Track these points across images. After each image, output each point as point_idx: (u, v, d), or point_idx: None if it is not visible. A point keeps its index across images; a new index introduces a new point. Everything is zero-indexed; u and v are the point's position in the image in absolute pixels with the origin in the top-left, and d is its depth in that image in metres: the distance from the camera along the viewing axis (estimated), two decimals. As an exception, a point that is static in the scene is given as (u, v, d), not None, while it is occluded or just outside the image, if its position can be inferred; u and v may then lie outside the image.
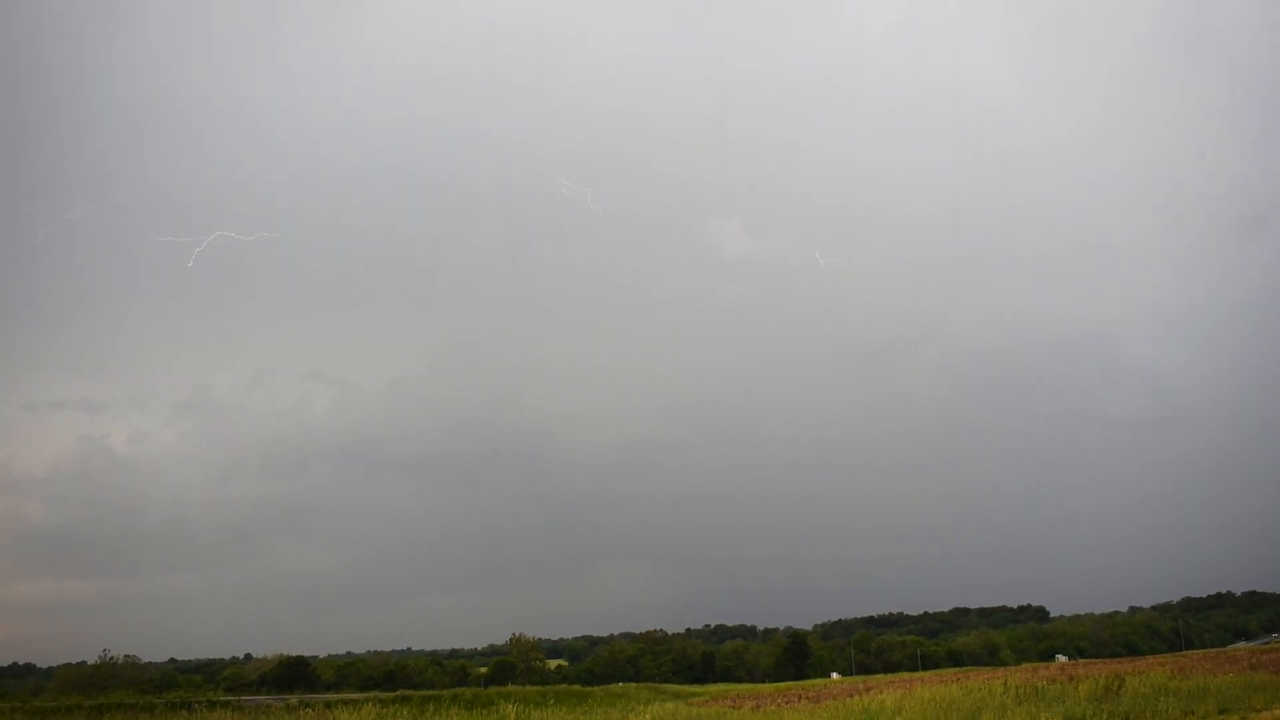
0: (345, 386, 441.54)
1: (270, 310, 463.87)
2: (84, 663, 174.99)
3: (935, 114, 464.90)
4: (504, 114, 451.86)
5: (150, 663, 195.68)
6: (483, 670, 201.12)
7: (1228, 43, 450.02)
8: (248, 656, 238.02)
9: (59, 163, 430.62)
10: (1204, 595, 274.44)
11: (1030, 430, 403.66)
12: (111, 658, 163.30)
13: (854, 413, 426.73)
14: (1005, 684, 49.08)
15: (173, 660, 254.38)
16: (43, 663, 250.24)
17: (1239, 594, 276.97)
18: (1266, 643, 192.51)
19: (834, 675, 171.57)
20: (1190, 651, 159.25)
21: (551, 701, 61.74)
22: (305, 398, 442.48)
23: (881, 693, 56.51)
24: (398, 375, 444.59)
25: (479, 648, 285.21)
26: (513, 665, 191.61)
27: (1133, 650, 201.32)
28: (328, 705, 67.21)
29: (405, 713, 51.45)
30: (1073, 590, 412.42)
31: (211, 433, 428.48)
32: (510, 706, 49.25)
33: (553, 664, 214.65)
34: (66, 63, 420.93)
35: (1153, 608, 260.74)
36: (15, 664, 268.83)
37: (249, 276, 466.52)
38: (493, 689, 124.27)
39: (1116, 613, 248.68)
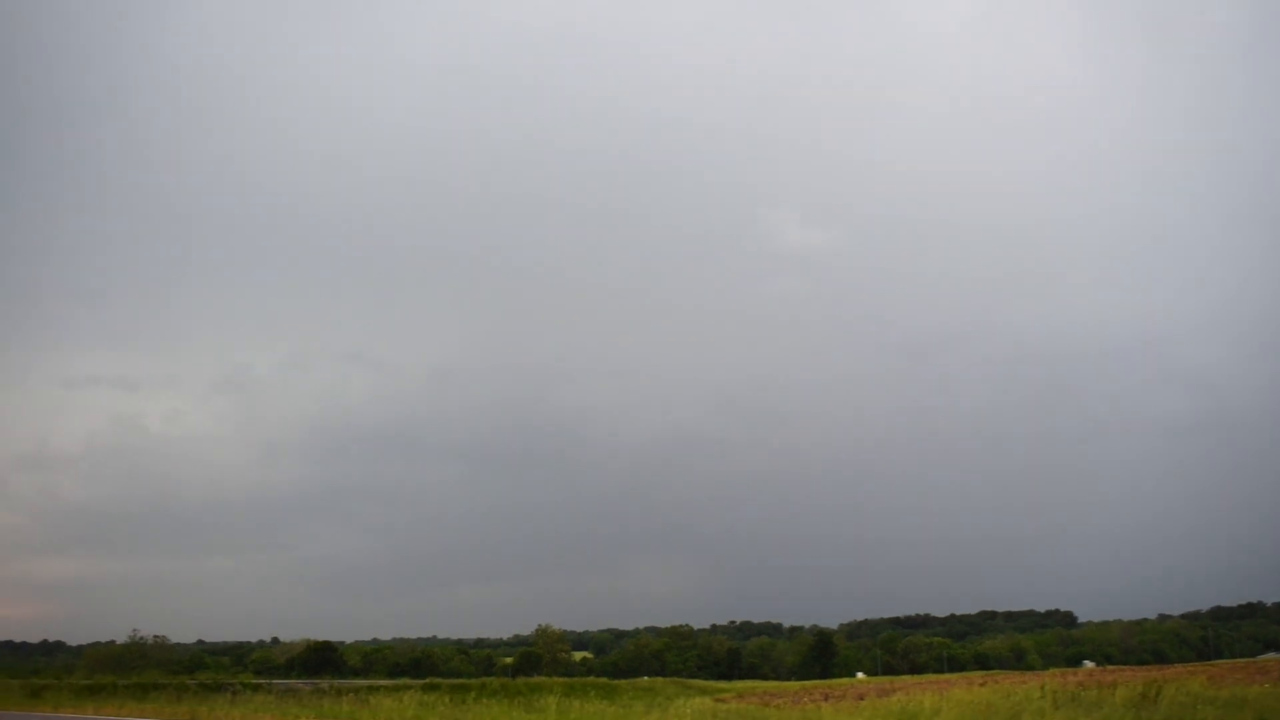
0: (385, 370, 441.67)
1: (311, 291, 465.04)
2: (113, 642, 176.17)
3: (998, 111, 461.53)
4: (552, 111, 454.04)
5: (179, 643, 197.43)
6: (508, 660, 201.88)
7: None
8: (275, 640, 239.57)
9: (100, 140, 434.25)
10: (1234, 604, 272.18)
11: (1069, 432, 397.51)
12: (141, 638, 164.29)
13: (894, 410, 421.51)
14: (1043, 688, 48.72)
15: (200, 642, 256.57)
16: (72, 640, 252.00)
17: (1270, 604, 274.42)
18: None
19: (859, 675, 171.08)
20: (1220, 661, 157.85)
21: (592, 694, 61.65)
22: (344, 380, 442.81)
23: (914, 694, 56.22)
24: (438, 361, 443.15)
25: (504, 637, 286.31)
26: (538, 656, 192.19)
27: (1161, 658, 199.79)
28: (370, 690, 67.51)
29: (445, 702, 51.37)
30: (1101, 596, 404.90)
31: (248, 413, 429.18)
32: (552, 698, 49.07)
33: (578, 656, 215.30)
34: (111, 38, 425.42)
35: (1182, 616, 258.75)
36: (45, 641, 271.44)
37: (290, 255, 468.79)
38: (520, 679, 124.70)
39: (1145, 620, 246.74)
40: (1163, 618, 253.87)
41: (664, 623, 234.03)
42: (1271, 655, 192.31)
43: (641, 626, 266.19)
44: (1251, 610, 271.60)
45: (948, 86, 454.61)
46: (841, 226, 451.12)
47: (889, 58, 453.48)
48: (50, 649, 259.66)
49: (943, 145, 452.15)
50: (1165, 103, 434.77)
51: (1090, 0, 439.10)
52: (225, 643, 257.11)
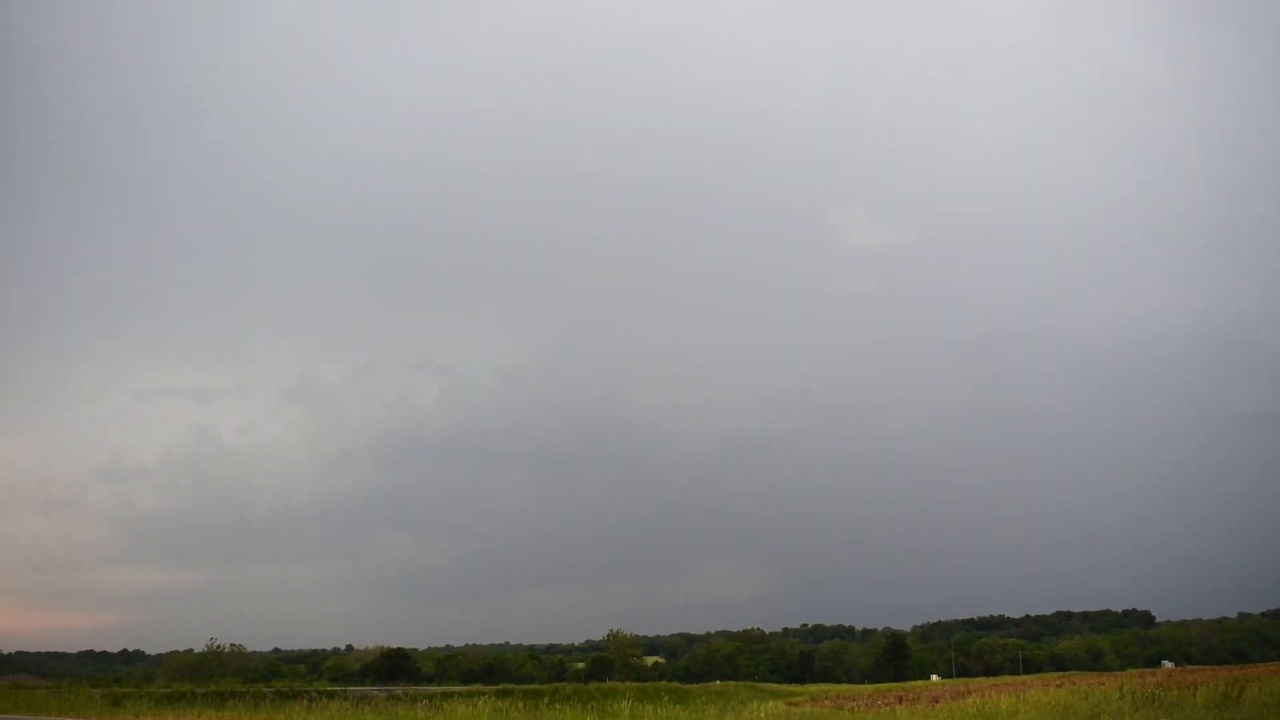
0: (454, 376, 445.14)
1: (378, 298, 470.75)
2: (191, 650, 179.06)
3: (1066, 108, 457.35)
4: (624, 105, 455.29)
5: (255, 652, 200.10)
6: (580, 665, 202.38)
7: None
8: (349, 648, 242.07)
9: (170, 156, 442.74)
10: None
11: (1143, 429, 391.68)
12: (218, 646, 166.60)
13: (965, 407, 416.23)
14: (1121, 689, 48.02)
15: (276, 650, 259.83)
16: (151, 649, 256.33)
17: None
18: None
19: (934, 677, 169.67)
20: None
21: (665, 699, 61.69)
22: (413, 387, 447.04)
23: (990, 696, 55.67)
24: (506, 365, 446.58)
25: (576, 643, 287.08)
26: (610, 661, 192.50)
27: (1242, 658, 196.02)
28: (444, 697, 68.00)
29: (519, 708, 51.66)
30: (1179, 594, 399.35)
31: (319, 422, 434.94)
32: (625, 703, 49.17)
33: (649, 660, 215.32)
34: (182, 55, 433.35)
35: (1263, 614, 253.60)
36: (125, 650, 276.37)
37: (358, 264, 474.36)
38: (593, 684, 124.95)
39: (1225, 618, 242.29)
40: (1243, 616, 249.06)
41: (735, 627, 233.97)
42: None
43: (713, 631, 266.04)
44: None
45: (1017, 83, 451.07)
46: (911, 224, 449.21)
47: (956, 54, 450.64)
48: (130, 658, 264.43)
49: (1011, 143, 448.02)
50: (1235, 94, 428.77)
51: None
52: (300, 650, 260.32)
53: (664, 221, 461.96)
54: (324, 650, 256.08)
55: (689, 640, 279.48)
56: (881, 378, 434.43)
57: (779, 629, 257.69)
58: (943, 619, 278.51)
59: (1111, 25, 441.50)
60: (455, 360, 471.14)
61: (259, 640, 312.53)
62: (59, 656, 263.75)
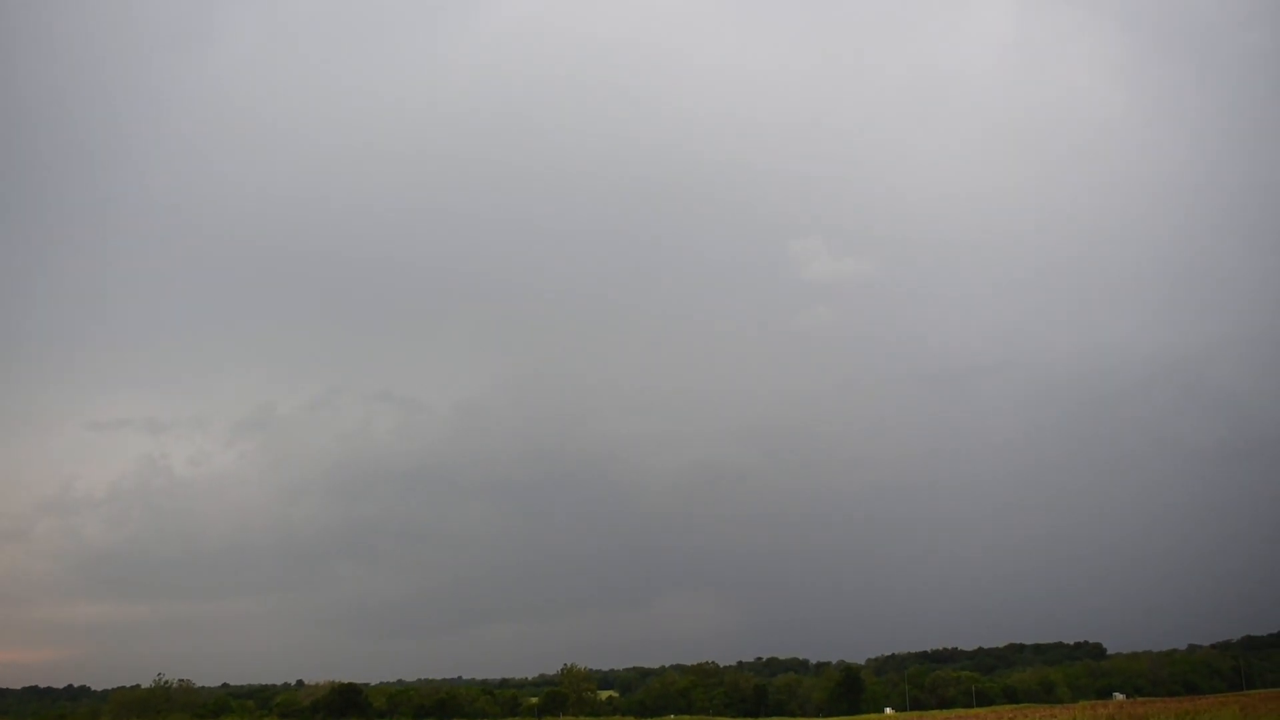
0: (413, 408, 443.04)
1: (337, 330, 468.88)
2: (138, 685, 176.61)
3: (1029, 138, 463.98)
4: (575, 150, 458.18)
5: (203, 687, 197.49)
6: (534, 700, 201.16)
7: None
8: (299, 683, 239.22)
9: (123, 189, 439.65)
10: (1266, 633, 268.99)
11: (1099, 461, 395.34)
12: (166, 681, 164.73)
13: (926, 439, 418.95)
14: (1073, 722, 48.47)
15: (225, 685, 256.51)
16: (97, 685, 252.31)
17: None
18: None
19: (888, 710, 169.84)
20: (1253, 691, 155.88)
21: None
22: (372, 419, 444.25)
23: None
24: (466, 398, 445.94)
25: (529, 677, 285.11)
26: (564, 696, 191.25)
27: (1192, 689, 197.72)
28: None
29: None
30: (1130, 627, 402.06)
31: (274, 453, 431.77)
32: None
33: (604, 695, 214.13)
34: (125, 83, 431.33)
35: (1212, 646, 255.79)
36: (71, 686, 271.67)
37: (316, 296, 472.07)
38: (546, 719, 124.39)
39: (1175, 650, 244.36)
40: (1193, 648, 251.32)
41: (690, 660, 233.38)
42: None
43: (667, 664, 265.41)
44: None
45: (979, 115, 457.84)
46: (872, 256, 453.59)
47: (921, 87, 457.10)
48: (75, 694, 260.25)
49: (974, 174, 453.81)
50: (1197, 128, 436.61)
51: (1122, 26, 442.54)
52: (250, 685, 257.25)
53: (626, 256, 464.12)
54: (274, 685, 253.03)
55: (644, 674, 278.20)
56: (842, 411, 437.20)
57: (734, 662, 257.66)
58: (896, 651, 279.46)
59: (1071, 58, 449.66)
60: (415, 392, 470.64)
61: (208, 675, 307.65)
62: (2, 693, 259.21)
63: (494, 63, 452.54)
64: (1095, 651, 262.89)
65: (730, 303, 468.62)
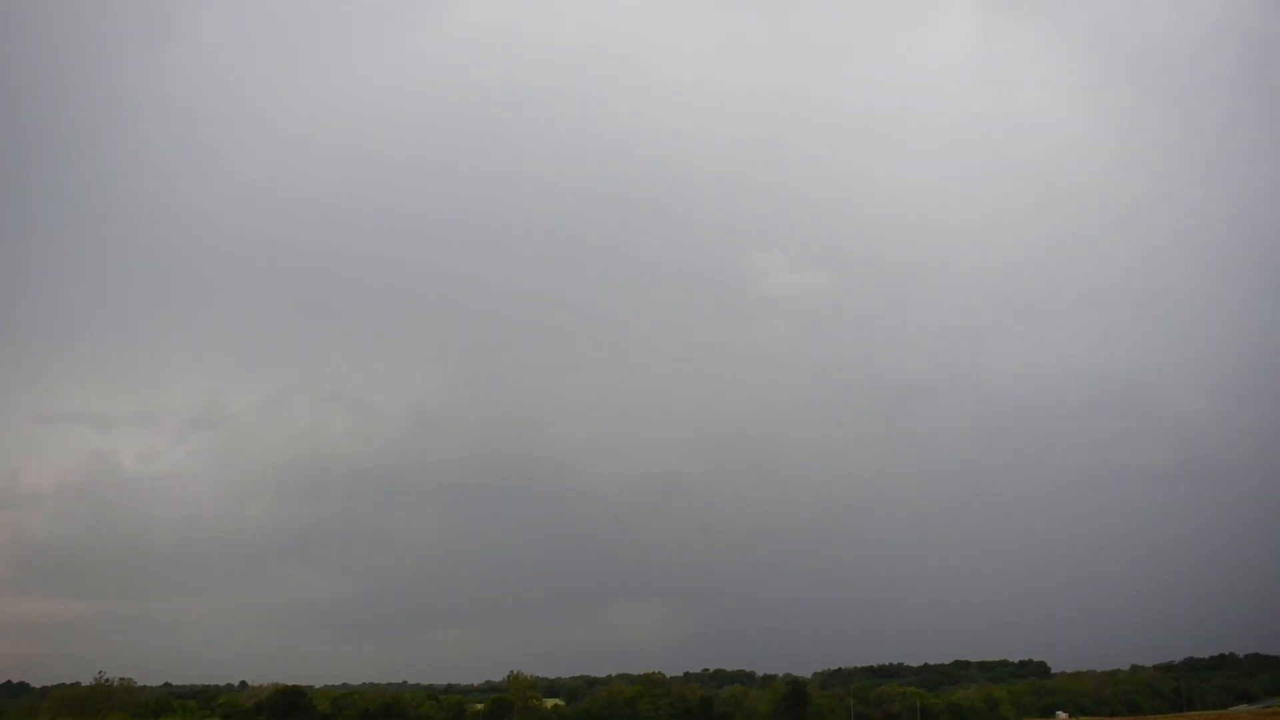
0: (366, 410, 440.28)
1: (291, 329, 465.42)
2: (79, 684, 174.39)
3: (987, 157, 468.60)
4: (535, 154, 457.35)
5: (145, 686, 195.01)
6: (479, 707, 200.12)
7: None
8: (243, 684, 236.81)
9: (74, 176, 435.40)
10: (1207, 656, 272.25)
11: (1050, 479, 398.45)
12: (107, 680, 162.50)
13: (876, 455, 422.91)
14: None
15: (168, 685, 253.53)
16: (37, 682, 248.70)
17: (1242, 656, 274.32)
18: (1268, 706, 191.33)
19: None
20: (1192, 712, 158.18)
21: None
22: (323, 421, 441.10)
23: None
24: (419, 401, 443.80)
25: (475, 683, 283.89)
26: (510, 703, 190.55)
27: (1134, 709, 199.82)
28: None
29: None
30: (1075, 646, 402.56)
31: (225, 452, 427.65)
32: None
33: (550, 703, 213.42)
34: (87, 79, 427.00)
35: (1155, 667, 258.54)
36: (9, 682, 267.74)
37: (271, 292, 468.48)
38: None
39: (1118, 670, 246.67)
40: (1135, 668, 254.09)
41: (637, 670, 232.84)
42: (1243, 707, 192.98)
43: (614, 673, 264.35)
44: (1223, 662, 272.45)
45: (940, 134, 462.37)
46: (831, 271, 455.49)
47: (884, 106, 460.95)
48: (14, 690, 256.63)
49: (934, 193, 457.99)
50: (1151, 152, 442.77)
51: (1081, 49, 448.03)
52: (193, 685, 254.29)
53: (585, 262, 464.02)
54: (218, 686, 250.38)
55: (590, 683, 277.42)
56: (793, 425, 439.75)
57: (680, 673, 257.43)
58: (843, 665, 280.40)
59: (1031, 80, 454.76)
60: (368, 394, 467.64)
61: (150, 674, 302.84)
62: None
63: (455, 65, 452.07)
64: (1040, 670, 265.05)
65: (689, 313, 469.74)
